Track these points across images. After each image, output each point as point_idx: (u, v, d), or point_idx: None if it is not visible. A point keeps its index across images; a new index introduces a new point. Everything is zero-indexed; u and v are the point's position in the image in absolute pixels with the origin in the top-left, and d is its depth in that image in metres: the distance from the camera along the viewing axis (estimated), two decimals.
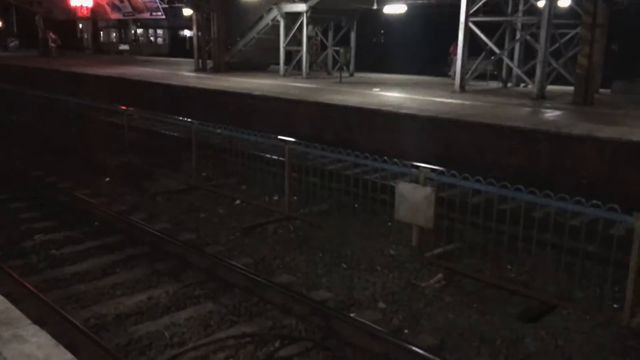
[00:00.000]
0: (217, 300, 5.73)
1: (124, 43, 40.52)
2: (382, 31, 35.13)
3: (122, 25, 40.45)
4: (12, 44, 40.00)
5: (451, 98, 14.68)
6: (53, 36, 31.57)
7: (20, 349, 2.77)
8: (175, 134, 13.28)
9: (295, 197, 8.78)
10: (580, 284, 5.96)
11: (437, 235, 7.13)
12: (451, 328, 5.26)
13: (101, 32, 41.59)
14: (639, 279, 5.21)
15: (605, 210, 5.49)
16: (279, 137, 10.15)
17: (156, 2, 27.66)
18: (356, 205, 8.54)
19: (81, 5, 29.12)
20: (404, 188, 6.94)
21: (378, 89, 16.71)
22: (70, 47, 35.72)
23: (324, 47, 23.14)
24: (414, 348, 4.67)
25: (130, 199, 9.13)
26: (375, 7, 19.24)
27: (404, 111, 12.49)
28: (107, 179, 10.26)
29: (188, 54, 30.70)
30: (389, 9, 20.84)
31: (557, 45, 16.20)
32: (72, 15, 32.57)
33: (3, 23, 48.48)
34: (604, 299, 5.75)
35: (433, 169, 7.93)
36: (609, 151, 9.45)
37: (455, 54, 17.82)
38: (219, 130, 10.03)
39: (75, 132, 14.26)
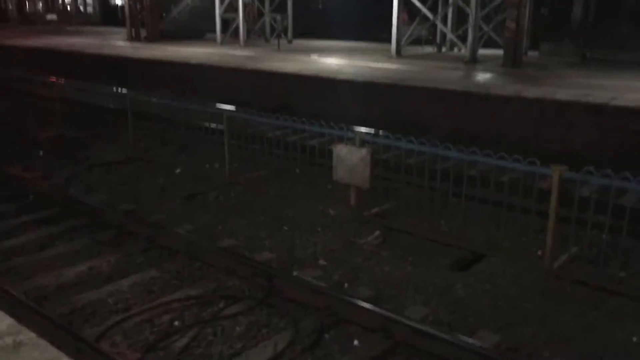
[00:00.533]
0: (160, 266, 5.79)
1: (52, 13, 38.60)
2: None
3: None
4: None
5: (388, 63, 14.92)
6: None
7: None
8: (111, 106, 12.96)
9: (235, 165, 8.84)
10: (507, 233, 6.36)
11: (374, 195, 7.38)
12: (388, 280, 5.54)
13: (27, 2, 39.45)
14: (557, 226, 5.62)
15: (526, 165, 5.86)
16: (218, 105, 10.12)
17: None
18: (297, 171, 8.68)
19: None
20: (341, 150, 7.12)
21: (316, 56, 16.75)
22: None
23: (261, 14, 22.87)
24: (352, 300, 4.92)
25: (65, 173, 8.94)
26: None
27: (341, 77, 12.63)
28: (41, 153, 9.99)
29: (120, 23, 29.62)
30: None
31: (487, 10, 16.66)
32: None
33: None
34: (528, 246, 6.17)
35: (368, 132, 8.14)
36: (535, 110, 9.93)
37: (405, 20, 18.09)
38: (154, 99, 9.90)
39: (3, 106, 13.69)
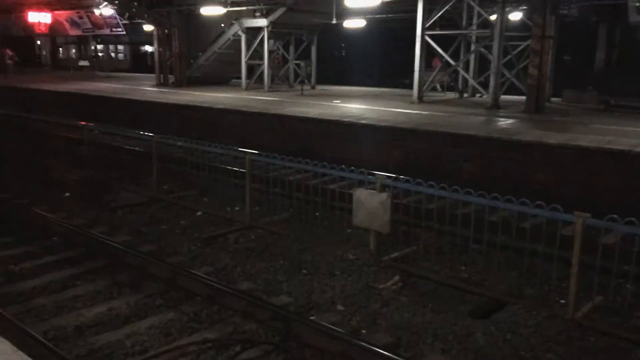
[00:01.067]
0: (179, 308, 5.79)
1: (84, 59, 40.03)
2: (343, 44, 35.64)
3: (81, 41, 40.00)
4: None
5: (409, 109, 15.06)
6: (10, 53, 31.02)
7: None
8: (137, 149, 13.26)
9: (256, 208, 8.92)
10: (529, 281, 6.24)
11: (394, 239, 7.35)
12: (406, 326, 5.45)
13: (60, 48, 41.06)
14: (581, 274, 5.51)
15: (549, 211, 5.79)
16: (240, 149, 10.28)
17: (116, 18, 27.49)
18: (317, 214, 8.71)
19: (39, 22, 28.72)
20: (361, 195, 7.14)
21: (339, 101, 17.01)
22: (29, 63, 35.17)
23: (285, 60, 23.42)
24: (370, 346, 4.84)
25: (90, 213, 9.10)
26: (334, 21, 19.62)
27: (363, 121, 12.78)
28: (67, 194, 10.20)
29: (149, 70, 30.56)
30: (348, 24, 21.26)
31: (509, 57, 16.81)
32: (30, 32, 32.10)
33: None
34: (551, 294, 6.03)
35: (389, 176, 8.17)
36: (557, 156, 9.88)
37: (437, 66, 18.34)
38: (179, 143, 10.11)
39: (33, 148, 14.09)
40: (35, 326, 5.28)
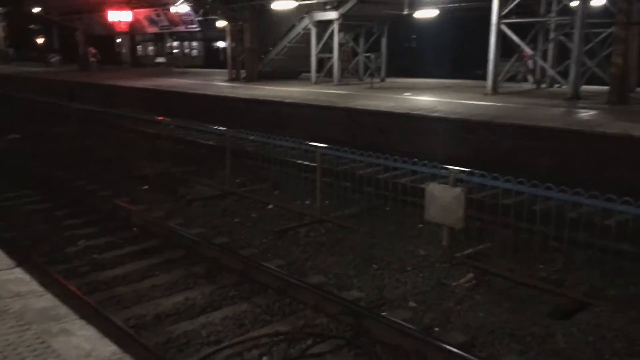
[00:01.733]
0: (251, 300, 5.90)
1: (160, 56, 41.54)
2: (414, 36, 35.08)
3: (158, 39, 41.51)
4: (53, 59, 41.44)
5: (483, 100, 14.62)
6: (93, 51, 32.59)
7: (68, 341, 2.97)
8: (210, 142, 13.61)
9: (327, 201, 8.94)
10: (614, 281, 5.92)
11: (467, 235, 7.17)
12: (481, 326, 5.30)
13: (138, 46, 42.77)
14: None
15: (637, 207, 5.46)
16: (311, 143, 10.32)
17: (191, 15, 28.26)
18: (387, 208, 8.63)
19: (119, 21, 29.99)
20: (434, 189, 7.00)
21: (409, 94, 16.75)
22: (109, 61, 36.83)
23: (355, 53, 23.31)
24: (444, 345, 4.74)
25: (167, 206, 9.42)
26: (406, 12, 19.31)
27: (435, 114, 12.52)
28: (145, 187, 10.61)
29: (222, 65, 31.25)
30: (420, 14, 20.87)
31: (591, 44, 15.98)
32: (110, 30, 33.58)
33: (45, 39, 50.35)
34: (637, 296, 5.70)
35: (462, 170, 7.98)
36: None
37: (526, 57, 17.72)
38: (252, 137, 10.28)
39: (114, 142, 14.74)
40: (117, 314, 5.53)
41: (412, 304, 5.81)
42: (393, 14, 20.51)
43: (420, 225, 7.83)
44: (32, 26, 50.33)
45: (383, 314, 5.47)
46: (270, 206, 9.26)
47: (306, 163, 10.05)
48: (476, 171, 7.08)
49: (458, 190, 6.73)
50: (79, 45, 34.47)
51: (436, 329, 5.31)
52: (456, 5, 20.60)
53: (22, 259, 4.96)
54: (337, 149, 8.83)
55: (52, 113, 17.93)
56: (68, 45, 40.83)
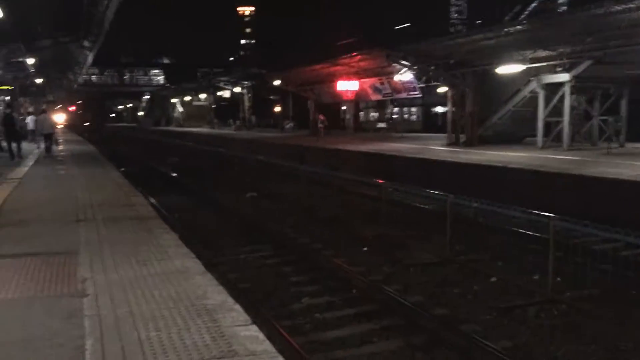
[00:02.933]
0: None
1: (381, 121, 43.33)
2: None
3: (379, 105, 43.49)
4: (287, 126, 45.98)
5: None
6: (321, 117, 35.28)
7: None
8: (428, 207, 13.45)
9: (558, 279, 8.06)
10: None
11: None
12: None
13: (361, 112, 45.29)
14: None
15: None
16: (541, 213, 9.53)
17: (413, 83, 29.12)
18: (634, 292, 7.45)
19: (347, 90, 32.15)
20: None
21: None
22: (334, 126, 39.51)
23: (588, 117, 21.50)
24: None
25: (385, 269, 9.40)
26: None
27: None
28: (365, 248, 10.77)
29: (440, 130, 31.37)
30: None
31: None
32: (338, 99, 36.17)
33: (281, 108, 56.15)
34: None
35: None
36: None
37: None
38: (475, 204, 9.86)
39: (337, 203, 15.41)
40: None
41: None
42: (635, 74, 18.56)
43: None
44: (271, 96, 56.73)
45: None
46: (493, 279, 8.65)
47: (534, 234, 9.27)
48: None
49: None
50: (310, 112, 37.70)
51: None
52: None
53: (255, 313, 5.26)
54: (574, 222, 7.95)
55: (285, 174, 19.55)
56: (300, 113, 45.00)
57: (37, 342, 3.87)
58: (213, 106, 59.64)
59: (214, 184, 19.99)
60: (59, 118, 75.40)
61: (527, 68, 19.74)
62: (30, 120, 26.98)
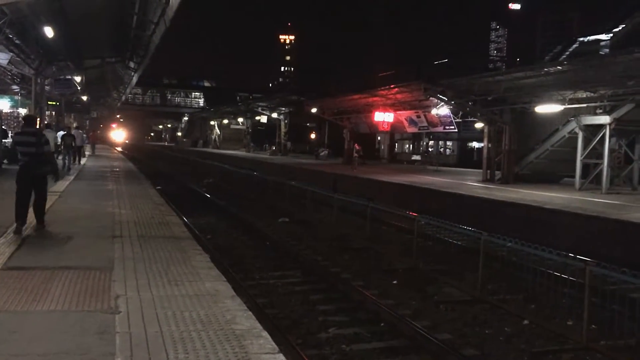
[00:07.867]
0: None
1: (416, 153, 43.24)
2: None
3: (415, 137, 43.46)
4: (322, 153, 46.24)
5: None
6: (357, 147, 35.40)
7: None
8: (460, 243, 13.28)
9: (593, 325, 7.82)
10: None
11: None
12: None
13: (396, 144, 45.31)
14: None
15: None
16: (577, 256, 9.31)
17: (450, 117, 29.08)
18: None
19: (383, 121, 32.28)
20: None
21: None
22: (369, 156, 39.56)
23: (628, 160, 21.06)
24: None
25: (414, 304, 9.29)
26: None
27: None
28: (395, 282, 10.67)
29: (475, 165, 31.11)
30: None
31: None
32: (374, 129, 36.30)
33: (317, 135, 56.59)
34: None
35: None
36: None
37: None
38: (509, 244, 9.70)
39: (369, 233, 15.35)
40: None
41: None
42: None
43: None
44: (307, 123, 57.31)
45: None
46: (525, 321, 8.44)
47: (570, 277, 9.02)
48: None
49: None
50: (345, 141, 37.88)
51: None
52: None
53: (281, 339, 5.25)
54: (610, 268, 7.74)
55: (317, 201, 19.60)
56: (336, 141, 45.25)
57: (70, 357, 3.95)
58: (250, 130, 60.49)
59: (247, 207, 20.17)
60: (119, 136, 77.18)
61: (566, 108, 19.51)
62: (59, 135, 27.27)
